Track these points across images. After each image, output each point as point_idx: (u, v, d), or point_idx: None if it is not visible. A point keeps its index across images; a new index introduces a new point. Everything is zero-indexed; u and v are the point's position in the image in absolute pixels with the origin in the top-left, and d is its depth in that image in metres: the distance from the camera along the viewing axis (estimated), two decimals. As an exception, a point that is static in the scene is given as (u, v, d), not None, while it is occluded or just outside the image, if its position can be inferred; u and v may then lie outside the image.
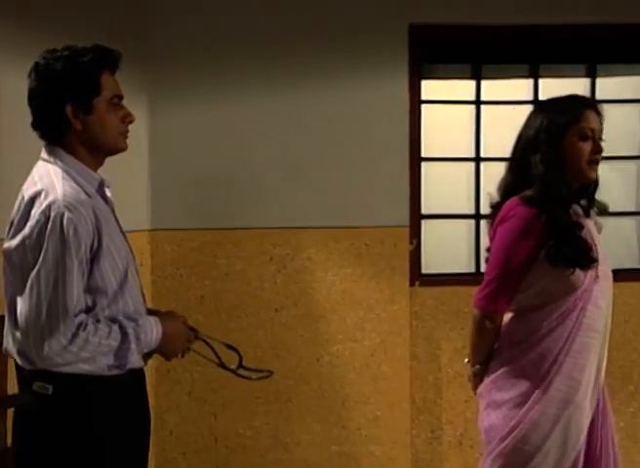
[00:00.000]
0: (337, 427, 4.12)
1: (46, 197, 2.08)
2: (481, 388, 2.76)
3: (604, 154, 3.83)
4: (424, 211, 4.24)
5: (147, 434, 2.38)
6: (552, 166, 2.55)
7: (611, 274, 2.70)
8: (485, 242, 2.84)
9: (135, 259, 2.34)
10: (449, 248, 4.34)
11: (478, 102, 4.25)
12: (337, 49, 4.02)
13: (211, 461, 4.10)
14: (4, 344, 2.22)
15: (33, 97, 2.20)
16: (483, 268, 4.18)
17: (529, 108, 4.08)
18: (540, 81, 4.24)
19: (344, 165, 4.06)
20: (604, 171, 4.11)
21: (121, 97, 2.27)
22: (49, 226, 2.04)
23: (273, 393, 4.07)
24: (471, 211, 4.29)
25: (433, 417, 4.23)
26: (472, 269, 4.30)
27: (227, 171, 4.04)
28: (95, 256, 2.12)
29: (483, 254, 3.06)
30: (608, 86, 4.27)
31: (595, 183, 2.68)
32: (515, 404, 2.62)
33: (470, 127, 4.28)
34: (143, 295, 2.37)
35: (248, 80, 4.02)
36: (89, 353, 2.10)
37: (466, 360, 2.82)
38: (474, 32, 4.09)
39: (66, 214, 2.05)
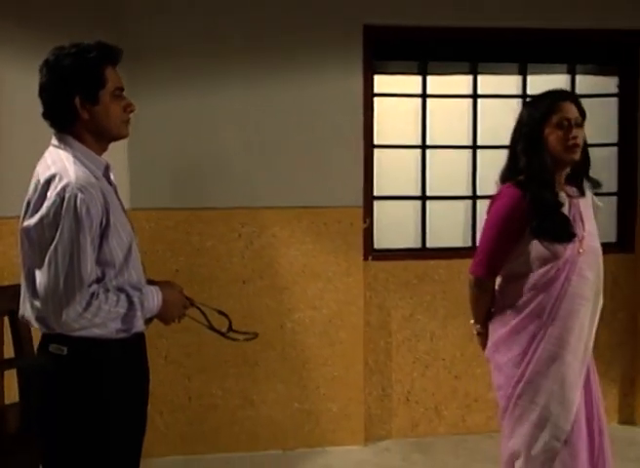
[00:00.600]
0: (298, 387, 4.46)
1: (60, 180, 2.26)
2: (487, 351, 3.06)
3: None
4: (376, 192, 4.59)
5: (147, 388, 2.61)
6: (532, 155, 2.86)
7: (600, 249, 2.95)
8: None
9: (135, 235, 2.53)
10: (398, 226, 4.70)
11: (424, 96, 4.63)
12: (300, 46, 4.34)
13: (185, 419, 4.42)
14: (21, 311, 2.42)
15: (44, 90, 2.39)
16: (429, 244, 4.71)
17: (469, 101, 4.67)
18: (479, 77, 4.66)
19: (306, 151, 4.37)
20: None
21: (122, 89, 2.46)
22: (64, 206, 2.23)
23: (242, 357, 4.43)
24: (418, 193, 4.68)
25: (384, 377, 4.63)
26: (419, 245, 4.69)
27: (200, 155, 4.33)
28: (103, 233, 2.32)
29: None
30: (537, 83, 4.66)
31: (585, 165, 2.94)
32: (514, 363, 2.91)
33: (417, 117, 4.64)
34: (144, 266, 2.55)
35: (221, 72, 4.31)
36: (101, 319, 2.31)
37: (472, 320, 3.13)
38: (421, 33, 4.48)
39: (79, 196, 2.24)
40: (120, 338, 2.41)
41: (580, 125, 2.87)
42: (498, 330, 3.00)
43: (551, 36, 4.58)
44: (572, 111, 2.86)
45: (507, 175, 2.96)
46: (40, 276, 2.28)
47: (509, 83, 4.75)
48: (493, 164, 4.58)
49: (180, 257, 4.35)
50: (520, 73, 4.73)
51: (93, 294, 2.29)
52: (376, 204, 4.63)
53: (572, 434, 2.86)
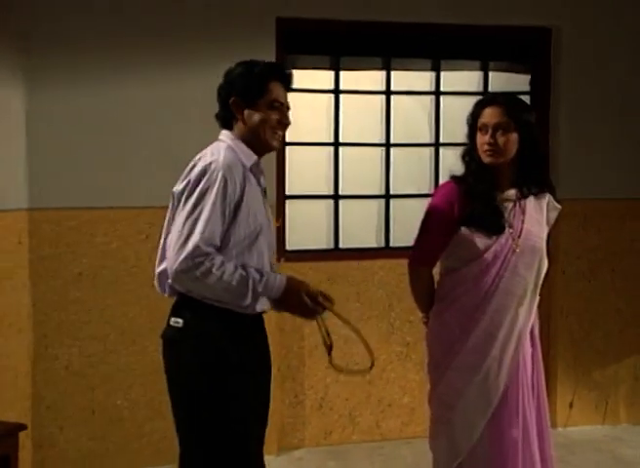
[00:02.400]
0: (209, 396, 4.75)
1: (211, 157, 2.83)
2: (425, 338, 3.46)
3: (451, 141, 4.75)
4: (288, 191, 4.89)
5: (269, 371, 3.07)
6: (470, 158, 3.30)
7: (539, 249, 3.26)
8: None
9: (272, 235, 3.05)
10: (310, 226, 5.02)
11: (337, 92, 4.97)
12: (209, 39, 4.56)
13: (88, 434, 4.55)
14: (157, 270, 3.01)
15: (218, 94, 3.01)
16: (342, 245, 5.07)
17: (382, 98, 5.08)
18: (393, 73, 5.05)
19: None
20: (448, 157, 5.09)
21: (283, 104, 2.98)
22: (206, 176, 2.77)
23: (149, 365, 4.53)
24: (330, 191, 5.03)
25: (297, 384, 4.94)
26: (332, 245, 5.05)
27: (105, 151, 4.50)
28: (234, 214, 2.79)
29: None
30: (451, 79, 5.14)
31: (531, 167, 3.25)
32: (442, 353, 3.31)
33: (330, 114, 4.99)
34: (271, 264, 3.01)
35: (125, 63, 4.50)
36: (211, 282, 2.70)
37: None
38: (334, 26, 4.83)
39: (221, 172, 2.77)
40: (236, 313, 2.82)
41: (506, 129, 3.19)
42: (432, 320, 3.41)
43: (464, 32, 5.05)
44: (493, 116, 3.21)
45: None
46: (172, 229, 2.82)
47: (422, 79, 5.16)
48: (406, 162, 5.19)
49: (83, 260, 4.51)
50: (433, 69, 5.15)
51: (207, 255, 2.71)
52: (288, 203, 4.92)
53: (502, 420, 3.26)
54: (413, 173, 5.28)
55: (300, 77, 4.76)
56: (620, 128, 5.29)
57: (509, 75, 5.33)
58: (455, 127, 5.03)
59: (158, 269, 3.00)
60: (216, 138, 4.45)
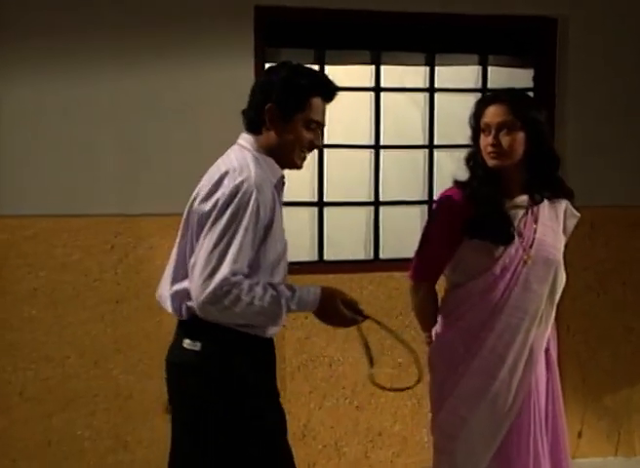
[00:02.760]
0: (180, 424, 4.54)
1: (240, 173, 2.71)
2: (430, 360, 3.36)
3: (447, 142, 4.60)
4: None
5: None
6: (471, 157, 3.27)
7: (554, 261, 3.17)
8: None
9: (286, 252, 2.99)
10: (293, 236, 4.80)
11: None
12: (179, 30, 4.38)
13: (44, 467, 4.35)
14: (158, 292, 3.01)
15: (253, 91, 2.93)
16: (327, 257, 4.85)
17: (371, 95, 4.83)
18: (382, 68, 4.83)
19: (190, 150, 4.37)
20: (443, 160, 4.93)
21: (319, 125, 2.91)
22: (237, 197, 2.66)
23: (113, 390, 4.39)
24: (314, 198, 4.81)
25: None
26: (315, 257, 4.82)
27: (66, 153, 4.31)
28: (264, 238, 2.75)
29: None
30: (446, 75, 4.93)
31: (549, 174, 3.19)
32: (445, 374, 3.23)
33: None
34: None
35: (92, 60, 4.31)
36: (241, 308, 2.66)
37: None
38: (319, 16, 4.62)
39: (254, 193, 2.68)
40: (254, 336, 2.84)
41: (511, 128, 3.11)
42: (435, 339, 3.32)
43: (461, 22, 4.84)
44: (495, 114, 3.14)
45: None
46: (197, 253, 2.73)
47: (416, 75, 4.95)
48: (398, 166, 4.99)
49: (40, 273, 4.32)
50: (427, 64, 4.93)
51: (235, 283, 2.65)
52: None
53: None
54: (404, 177, 5.05)
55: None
56: (633, 129, 5.09)
57: (510, 70, 5.11)
58: (450, 127, 4.96)
59: (171, 289, 2.94)
60: (188, 138, 4.41)
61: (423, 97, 4.99)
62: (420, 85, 5.01)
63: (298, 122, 2.86)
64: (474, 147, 3.24)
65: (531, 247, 3.14)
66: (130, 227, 4.40)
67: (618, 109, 5.05)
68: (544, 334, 3.23)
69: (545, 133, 3.21)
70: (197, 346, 2.83)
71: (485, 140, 3.15)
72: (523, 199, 3.19)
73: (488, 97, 3.30)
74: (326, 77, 2.97)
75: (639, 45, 5.07)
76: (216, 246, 2.67)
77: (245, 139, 2.91)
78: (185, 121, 4.44)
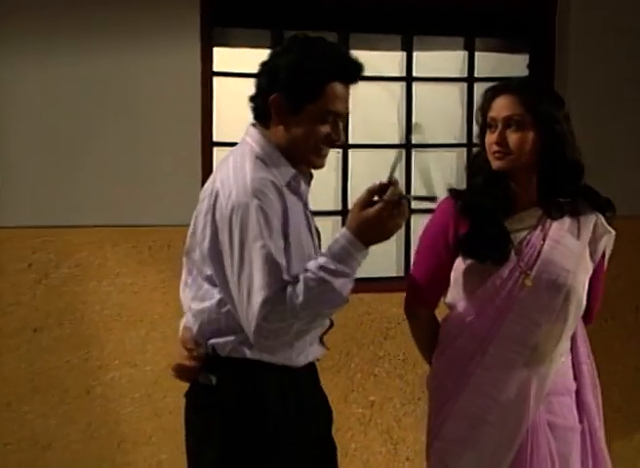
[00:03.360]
0: (111, 477, 4.21)
1: (229, 187, 2.50)
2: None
3: (426, 141, 4.47)
4: None
5: (325, 428, 2.82)
6: (474, 160, 3.07)
7: (564, 285, 2.88)
8: None
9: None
10: None
11: None
12: (115, 5, 4.15)
13: None
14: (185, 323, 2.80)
15: (257, 76, 2.66)
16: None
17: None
18: (352, 53, 4.57)
19: (125, 149, 4.20)
20: (423, 162, 4.58)
21: (338, 115, 2.60)
22: (237, 216, 2.46)
23: (28, 438, 4.14)
24: (338, 207, 4.66)
25: None
26: None
27: None
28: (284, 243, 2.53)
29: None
30: (426, 61, 4.69)
31: (568, 183, 2.92)
32: (435, 413, 3.03)
33: None
34: None
35: (7, 40, 4.08)
36: (303, 312, 2.43)
37: None
38: None
39: (254, 202, 2.45)
40: (283, 366, 2.62)
41: (520, 124, 2.87)
42: (430, 368, 3.14)
43: (443, 1, 4.65)
44: (503, 108, 2.90)
45: None
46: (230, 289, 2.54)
47: (390, 61, 4.71)
48: (369, 168, 4.66)
49: None
50: (404, 48, 4.72)
51: (278, 300, 2.44)
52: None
53: None
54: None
55: (233, 57, 4.46)
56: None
57: (501, 56, 4.95)
58: (430, 122, 4.76)
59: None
60: (122, 136, 4.14)
61: (400, 86, 4.82)
62: (396, 73, 4.82)
63: (309, 114, 2.59)
64: (481, 148, 3.03)
65: (532, 268, 2.88)
66: (51, 241, 4.16)
67: (628, 100, 4.86)
68: (556, 378, 2.95)
69: (561, 133, 2.91)
70: (212, 380, 2.63)
71: (490, 138, 2.92)
72: (533, 212, 2.95)
73: (496, 86, 3.05)
74: (346, 56, 2.65)
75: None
76: (239, 276, 2.48)
77: (250, 134, 2.67)
78: (120, 115, 4.21)
